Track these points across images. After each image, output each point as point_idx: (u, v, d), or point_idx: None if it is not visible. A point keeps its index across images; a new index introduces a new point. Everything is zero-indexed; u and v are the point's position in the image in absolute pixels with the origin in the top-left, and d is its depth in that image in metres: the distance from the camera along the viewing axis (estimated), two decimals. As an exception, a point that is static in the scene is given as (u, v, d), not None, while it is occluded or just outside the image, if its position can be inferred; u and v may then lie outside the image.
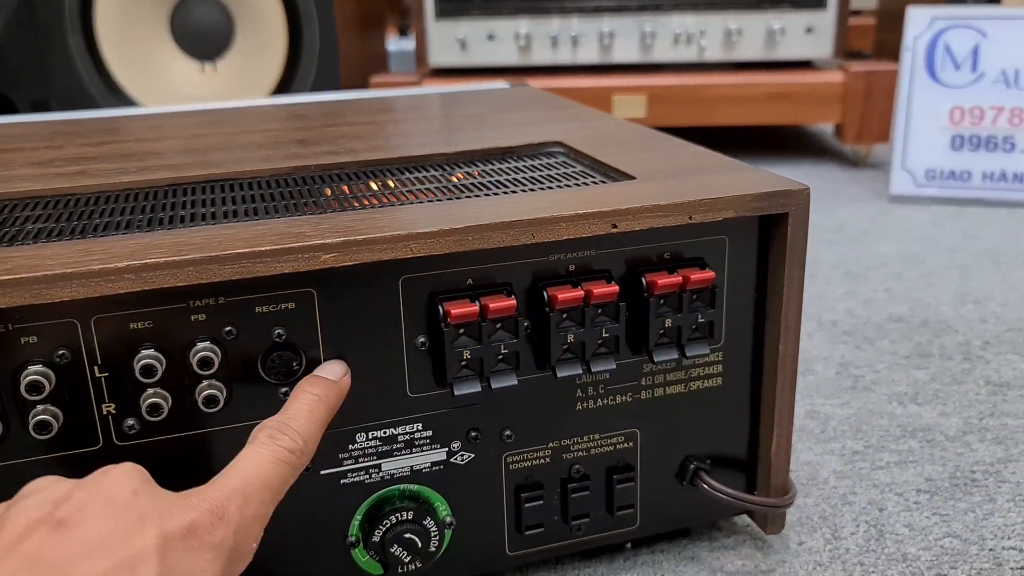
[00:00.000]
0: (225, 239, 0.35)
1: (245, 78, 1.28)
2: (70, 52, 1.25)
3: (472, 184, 0.44)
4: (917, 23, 1.07)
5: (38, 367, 0.33)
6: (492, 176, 0.45)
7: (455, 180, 0.45)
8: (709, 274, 0.39)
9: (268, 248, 0.34)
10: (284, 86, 1.27)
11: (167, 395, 0.35)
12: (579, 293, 0.38)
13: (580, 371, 0.39)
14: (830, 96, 1.21)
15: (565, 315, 0.38)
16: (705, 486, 0.43)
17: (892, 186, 1.09)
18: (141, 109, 0.75)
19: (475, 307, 0.36)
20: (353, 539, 0.40)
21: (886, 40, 1.45)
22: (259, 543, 0.32)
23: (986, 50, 1.04)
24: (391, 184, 0.45)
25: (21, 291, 0.31)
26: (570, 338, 0.38)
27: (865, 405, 0.61)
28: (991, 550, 0.46)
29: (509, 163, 0.48)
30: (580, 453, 0.42)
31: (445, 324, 0.36)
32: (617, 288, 0.38)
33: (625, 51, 1.25)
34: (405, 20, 1.81)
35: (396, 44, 1.82)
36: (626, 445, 0.42)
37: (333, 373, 0.36)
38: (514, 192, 0.42)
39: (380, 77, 1.26)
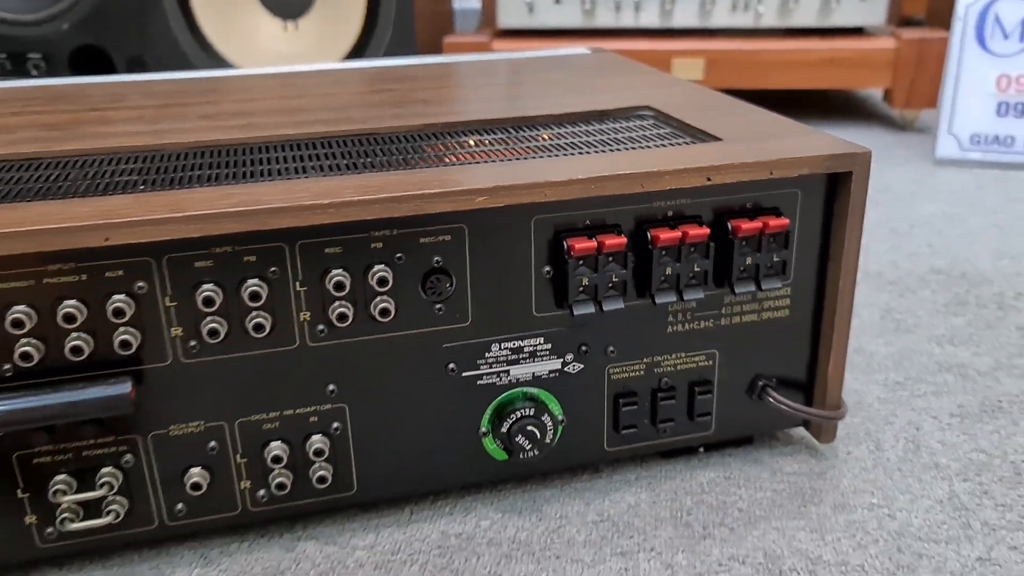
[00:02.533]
0: (398, 183, 0.43)
1: (324, 37, 1.36)
2: (165, 11, 1.33)
3: (581, 143, 0.52)
4: (969, -6, 1.12)
5: (255, 280, 0.42)
6: (596, 136, 0.54)
7: (565, 138, 0.53)
8: (784, 221, 0.47)
9: (435, 191, 0.42)
10: (361, 46, 1.35)
11: (350, 306, 0.44)
12: (676, 234, 0.46)
13: (674, 299, 0.47)
14: (881, 62, 1.26)
15: (664, 252, 0.46)
16: (771, 399, 0.52)
17: (938, 150, 1.15)
18: (254, 69, 0.83)
19: (593, 243, 0.45)
20: (484, 430, 0.49)
21: (938, 6, 1.49)
22: None
23: (1035, 21, 1.09)
24: (515, 140, 0.53)
25: (249, 219, 0.40)
26: (667, 271, 0.47)
27: (906, 344, 0.69)
28: (1012, 462, 0.54)
29: (608, 124, 0.57)
30: (668, 368, 0.51)
31: (568, 256, 0.45)
32: (708, 231, 0.46)
33: (685, 16, 1.31)
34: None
35: (459, 2, 1.88)
36: (706, 363, 0.51)
37: None
38: (619, 150, 0.50)
39: (453, 38, 1.33)
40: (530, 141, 0.53)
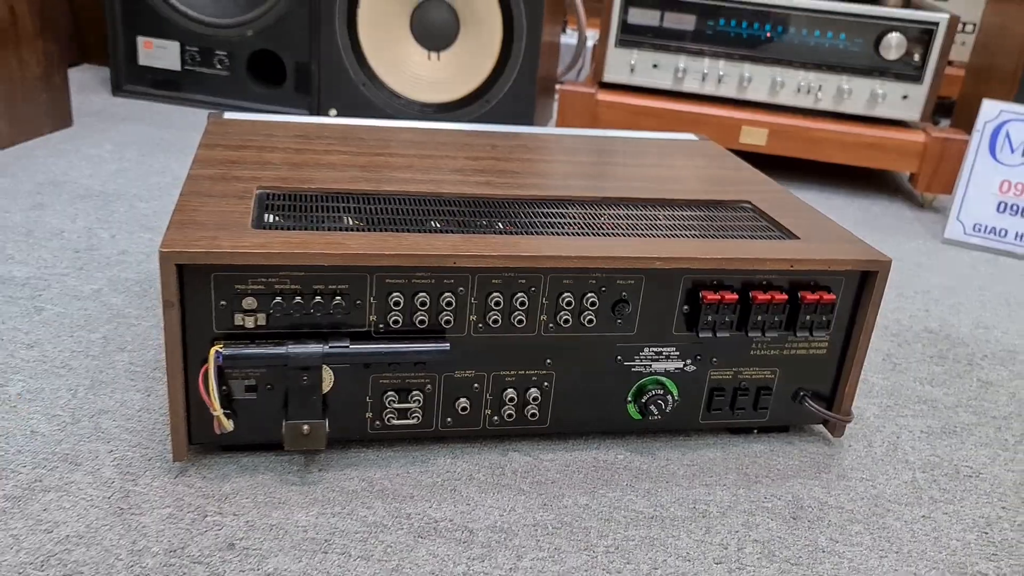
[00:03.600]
0: (616, 248, 0.73)
1: (462, 69, 1.66)
2: (335, 30, 1.63)
3: (710, 224, 0.82)
4: (988, 112, 1.41)
5: (521, 293, 0.72)
6: (719, 220, 0.84)
7: (699, 220, 0.83)
8: (832, 297, 0.77)
9: (634, 255, 0.72)
10: (492, 80, 1.65)
11: (570, 315, 0.74)
12: (768, 297, 0.76)
13: (759, 335, 0.78)
14: (912, 152, 1.56)
15: (759, 307, 0.76)
16: (808, 404, 0.82)
17: (946, 231, 1.45)
18: (463, 125, 1.13)
19: (718, 296, 0.75)
20: (629, 399, 0.79)
21: (966, 111, 1.78)
22: None
23: (1036, 141, 1.38)
24: (662, 217, 0.83)
25: (526, 260, 0.71)
26: (759, 318, 0.77)
27: (898, 381, 0.99)
28: (954, 465, 0.84)
29: (723, 212, 0.87)
30: (746, 376, 0.81)
31: (702, 302, 0.75)
32: (786, 297, 0.76)
33: (757, 91, 1.60)
34: (564, 18, 2.16)
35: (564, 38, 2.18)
36: (770, 376, 0.81)
37: None
38: (736, 236, 0.80)
39: (566, 86, 1.63)
40: (674, 219, 0.83)
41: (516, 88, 1.64)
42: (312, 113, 1.72)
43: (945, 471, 0.83)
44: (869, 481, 0.80)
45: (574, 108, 1.61)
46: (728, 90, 1.61)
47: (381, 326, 0.71)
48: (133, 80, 1.77)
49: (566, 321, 0.74)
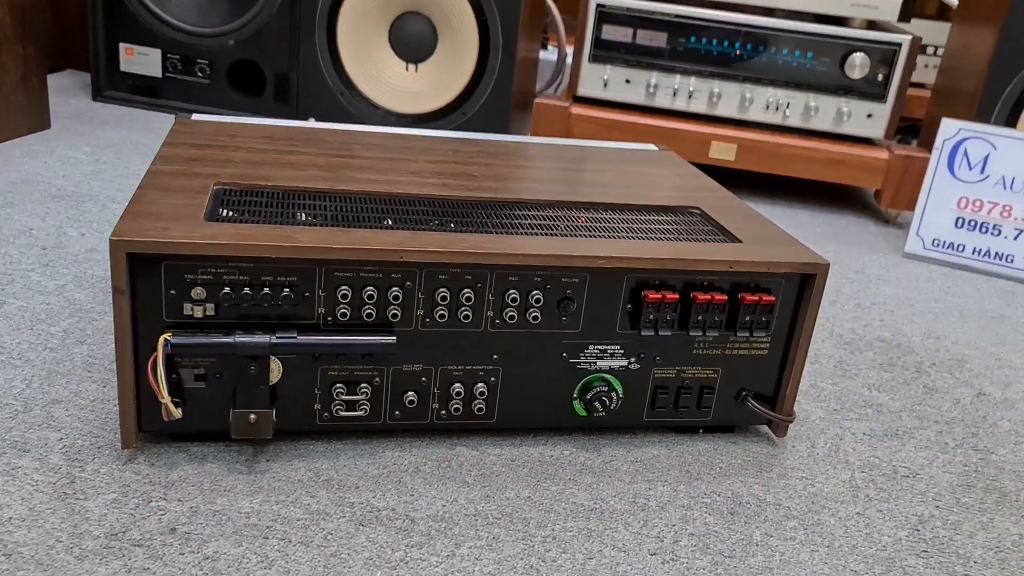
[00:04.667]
0: (564, 248, 0.76)
1: (439, 82, 1.69)
2: (315, 41, 1.66)
3: (658, 228, 0.84)
4: (947, 130, 1.44)
5: (467, 289, 0.75)
6: (666, 224, 0.86)
7: (647, 224, 0.86)
8: (772, 298, 0.80)
9: (579, 254, 0.75)
10: (468, 92, 1.67)
11: (515, 312, 0.76)
12: (708, 297, 0.78)
13: (700, 334, 0.80)
14: (876, 168, 1.59)
15: (699, 307, 0.79)
16: (750, 404, 0.84)
17: (907, 246, 1.48)
18: (432, 132, 1.15)
19: (660, 296, 0.77)
20: (575, 395, 0.81)
21: (934, 115, 1.81)
22: None
23: (994, 159, 1.42)
24: (616, 220, 0.85)
25: (477, 257, 0.73)
26: (699, 317, 0.79)
27: (847, 387, 1.01)
28: (892, 465, 0.86)
29: (672, 216, 0.89)
30: (689, 375, 0.83)
31: (644, 301, 0.77)
32: (726, 298, 0.78)
33: (727, 108, 1.63)
34: (545, 35, 2.20)
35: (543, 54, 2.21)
36: (713, 375, 0.83)
37: None
38: (681, 239, 0.82)
39: (542, 99, 1.65)
40: (623, 222, 0.85)
41: (491, 101, 1.67)
42: (290, 122, 1.75)
43: (883, 471, 0.85)
44: (808, 480, 0.82)
45: (548, 121, 1.64)
46: (699, 106, 1.64)
47: (329, 319, 0.73)
48: (114, 86, 1.80)
49: (512, 317, 0.76)
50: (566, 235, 0.80)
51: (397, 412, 0.78)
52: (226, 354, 0.70)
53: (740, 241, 0.83)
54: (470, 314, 0.75)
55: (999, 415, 0.99)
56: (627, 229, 0.84)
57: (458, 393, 0.78)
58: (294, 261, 0.70)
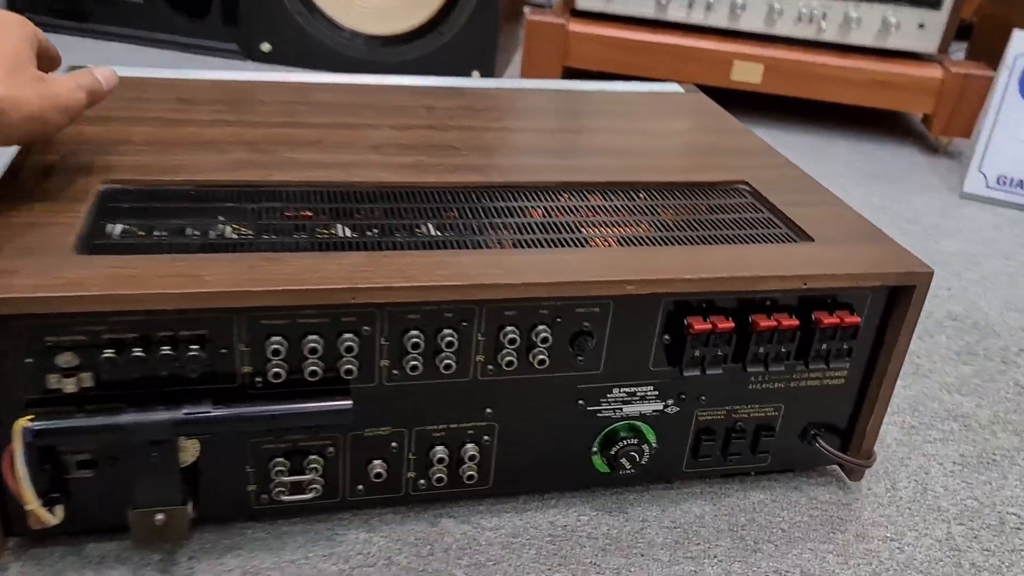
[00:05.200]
0: (574, 268, 0.55)
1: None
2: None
3: (695, 221, 0.63)
4: (1019, 44, 1.21)
5: (449, 330, 0.54)
6: (704, 214, 0.65)
7: (679, 214, 0.65)
8: (856, 319, 0.59)
9: (596, 280, 0.54)
10: (447, 7, 1.42)
11: (515, 355, 0.56)
12: (772, 323, 0.58)
13: (762, 370, 0.60)
14: (928, 89, 1.36)
15: (761, 336, 0.59)
16: (819, 446, 0.65)
17: (966, 184, 1.26)
18: (389, 79, 0.92)
19: (709, 325, 0.57)
20: (595, 449, 0.62)
21: (987, 41, 1.57)
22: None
23: (1075, 80, 1.19)
24: (634, 210, 0.64)
25: (459, 292, 0.52)
26: (760, 350, 0.59)
27: (922, 389, 0.82)
28: (998, 512, 0.68)
29: (713, 199, 0.68)
30: (743, 415, 0.63)
31: (688, 332, 0.57)
32: (798, 323, 0.58)
33: (751, 21, 1.39)
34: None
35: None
36: (773, 413, 0.64)
37: (105, 78, 0.58)
38: (730, 241, 0.61)
39: (533, 15, 1.41)
40: (654, 213, 0.64)
41: (475, 18, 1.42)
42: (242, 49, 1.50)
43: (987, 522, 0.67)
44: (895, 541, 0.64)
45: (542, 41, 1.40)
46: (718, 19, 1.40)
47: (258, 380, 0.53)
48: (31, 6, 1.53)
49: (510, 363, 0.56)
50: (578, 239, 0.59)
51: (360, 487, 0.58)
52: (113, 439, 0.50)
53: (811, 239, 0.62)
54: (452, 362, 0.55)
55: (1112, 423, 0.80)
56: (658, 225, 0.63)
57: (440, 459, 0.58)
58: (201, 312, 0.50)
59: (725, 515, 0.65)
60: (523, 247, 0.57)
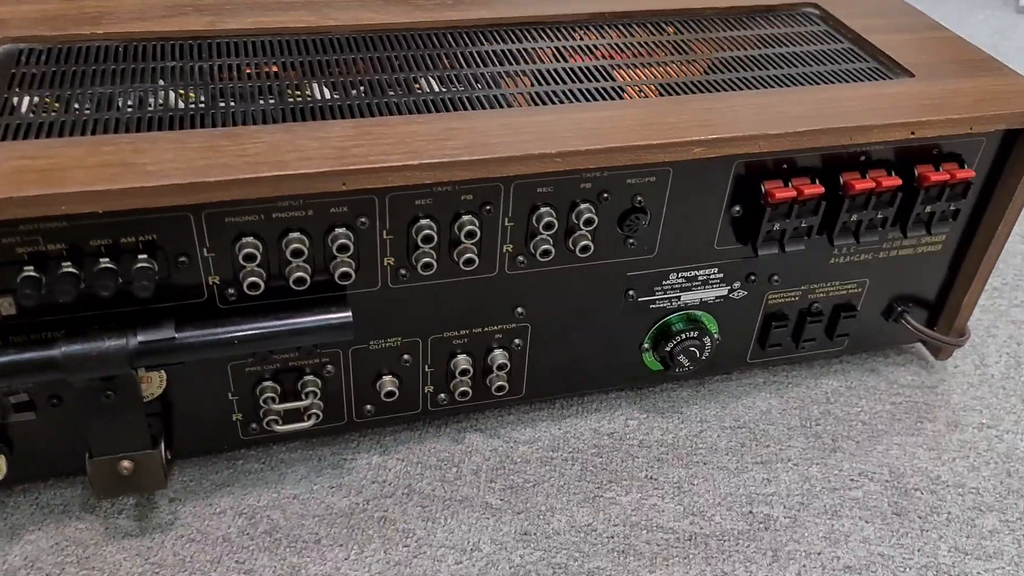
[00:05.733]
0: (617, 128, 0.42)
1: None
2: None
3: (759, 58, 0.51)
4: None
5: (469, 217, 0.42)
6: (771, 47, 0.52)
7: (739, 48, 0.52)
8: (970, 173, 0.48)
9: (657, 143, 0.42)
10: None
11: (552, 241, 0.44)
12: (870, 183, 0.46)
13: (852, 242, 0.49)
14: None
15: (854, 200, 0.47)
16: (907, 324, 0.55)
17: (1023, -1, 1.11)
18: None
19: (792, 191, 0.45)
20: (647, 346, 0.51)
21: None
22: None
23: None
24: (688, 44, 0.51)
25: (479, 167, 0.40)
26: (853, 217, 0.48)
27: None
28: (1105, 388, 0.59)
29: (777, 28, 0.54)
30: (821, 294, 0.53)
31: (766, 202, 0.46)
32: (900, 181, 0.47)
33: None
34: None
35: None
36: (856, 290, 0.53)
37: None
38: (808, 80, 0.49)
39: None
40: (710, 49, 0.51)
41: None
42: None
43: (1094, 399, 0.57)
44: (991, 428, 0.55)
45: None
46: None
47: (230, 291, 0.41)
48: None
49: (546, 253, 0.44)
50: (617, 89, 0.46)
51: (369, 407, 0.48)
52: (52, 377, 0.40)
53: (910, 74, 0.50)
54: (474, 255, 0.43)
55: None
56: (718, 64, 0.50)
57: (464, 371, 0.48)
58: (147, 212, 0.38)
59: (795, 409, 0.55)
60: (551, 101, 0.45)
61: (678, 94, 0.46)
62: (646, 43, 0.52)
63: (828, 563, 0.46)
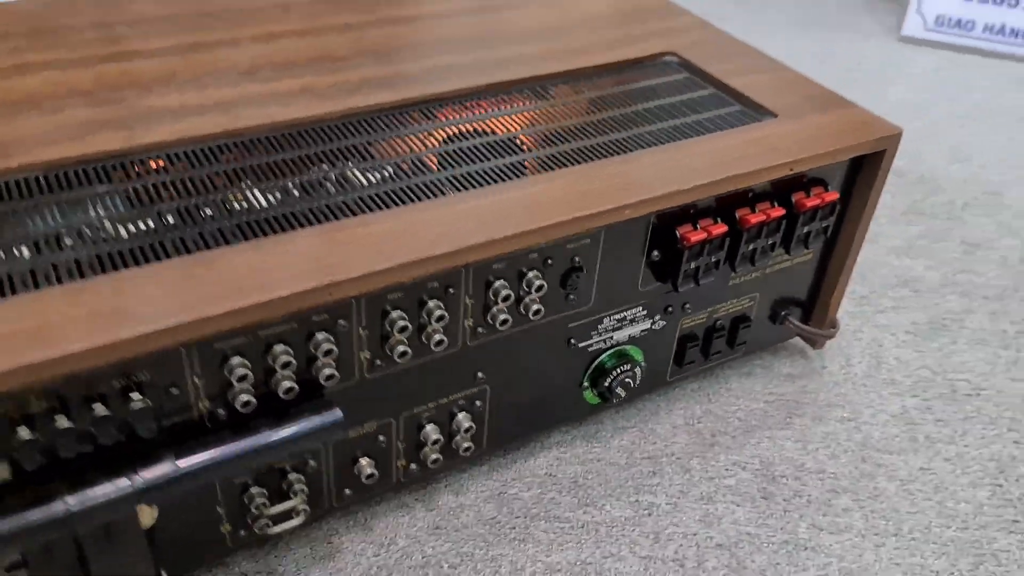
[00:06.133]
0: (555, 205, 0.47)
1: None
2: None
3: (648, 112, 0.56)
4: None
5: (436, 302, 0.45)
6: (655, 98, 0.58)
7: (630, 108, 0.57)
8: (835, 195, 0.56)
9: (592, 212, 0.46)
10: None
11: (507, 311, 0.48)
12: (762, 216, 0.53)
13: (751, 267, 0.56)
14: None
15: (750, 232, 0.54)
16: (790, 324, 0.63)
17: (904, 27, 1.23)
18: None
19: (703, 234, 0.52)
20: (585, 383, 0.56)
21: None
22: None
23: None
24: (578, 111, 0.56)
25: (452, 258, 0.43)
26: (751, 247, 0.55)
27: (869, 255, 0.80)
28: (949, 380, 0.67)
29: (645, 82, 0.61)
30: (723, 312, 0.60)
31: (683, 245, 0.51)
32: (784, 211, 0.54)
33: None
34: None
35: None
36: (749, 304, 0.61)
37: None
38: (700, 134, 0.55)
39: None
40: (602, 108, 0.56)
41: None
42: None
43: (939, 391, 0.66)
44: (852, 421, 0.63)
45: None
46: None
47: (220, 411, 0.42)
48: None
49: (504, 321, 0.48)
50: (541, 161, 0.51)
51: (348, 491, 0.50)
52: (60, 531, 0.39)
53: (773, 114, 0.57)
54: (442, 336, 0.46)
55: (1038, 263, 0.82)
56: (612, 124, 0.55)
57: (435, 441, 0.51)
58: (145, 356, 0.38)
59: (680, 409, 0.62)
60: (484, 183, 0.48)
61: (589, 159, 0.51)
62: (548, 110, 0.56)
63: (702, 542, 0.53)
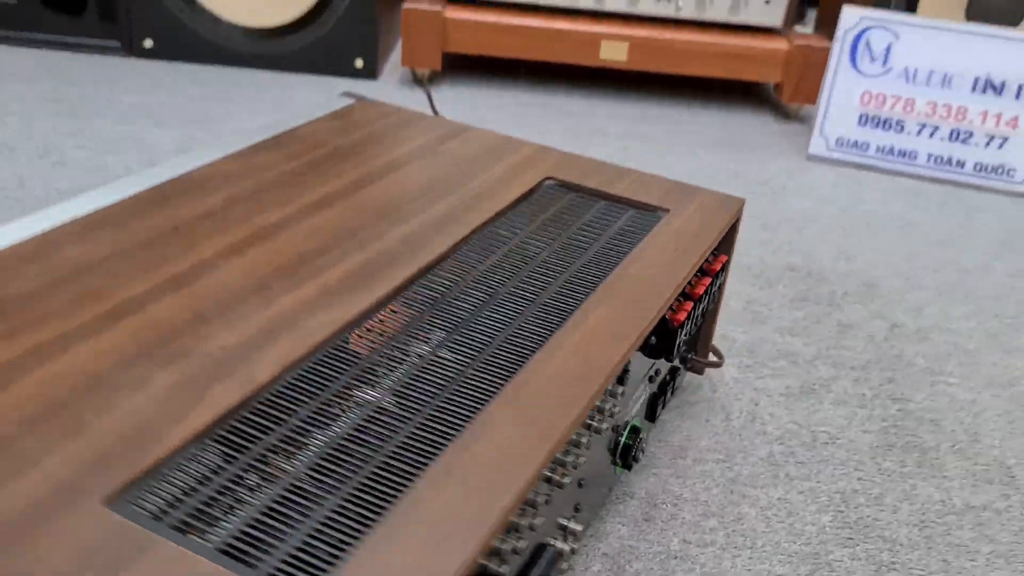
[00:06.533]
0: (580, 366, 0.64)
1: (293, -10, 1.49)
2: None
3: (576, 243, 0.73)
4: (848, 19, 1.35)
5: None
6: (568, 226, 0.75)
7: (559, 244, 0.74)
8: (724, 256, 0.71)
9: (603, 364, 0.63)
10: (324, 3, 1.49)
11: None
12: (688, 309, 0.67)
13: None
14: (775, 60, 1.50)
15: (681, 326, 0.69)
16: (693, 361, 0.77)
17: (811, 147, 1.41)
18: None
19: (684, 316, 0.67)
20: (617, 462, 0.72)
21: (830, 14, 1.72)
22: None
23: (896, 49, 1.34)
24: (522, 262, 0.74)
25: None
26: (681, 340, 0.70)
27: (759, 334, 0.95)
28: (811, 431, 0.81)
29: (553, 208, 0.77)
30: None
31: (672, 327, 0.67)
32: (699, 294, 0.68)
33: (616, 2, 1.50)
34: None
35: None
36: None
37: None
38: (623, 253, 0.70)
39: (410, 3, 1.48)
40: (538, 250, 0.73)
41: (354, 7, 1.48)
42: (124, 46, 1.53)
43: (802, 440, 0.79)
44: (726, 463, 0.76)
45: (420, 30, 1.48)
46: (586, 2, 1.50)
47: None
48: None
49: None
50: (522, 337, 0.57)
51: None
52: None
53: (666, 209, 0.73)
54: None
55: (913, 351, 0.94)
56: (556, 259, 0.65)
57: None
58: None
59: None
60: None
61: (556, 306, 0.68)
62: (496, 275, 0.74)
63: (591, 553, 0.66)
